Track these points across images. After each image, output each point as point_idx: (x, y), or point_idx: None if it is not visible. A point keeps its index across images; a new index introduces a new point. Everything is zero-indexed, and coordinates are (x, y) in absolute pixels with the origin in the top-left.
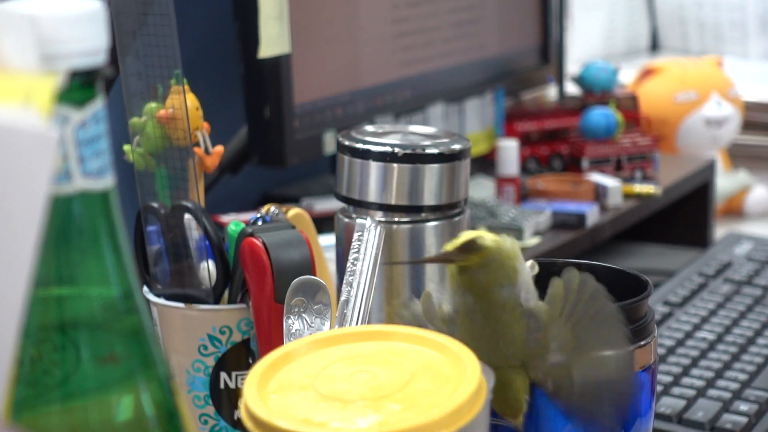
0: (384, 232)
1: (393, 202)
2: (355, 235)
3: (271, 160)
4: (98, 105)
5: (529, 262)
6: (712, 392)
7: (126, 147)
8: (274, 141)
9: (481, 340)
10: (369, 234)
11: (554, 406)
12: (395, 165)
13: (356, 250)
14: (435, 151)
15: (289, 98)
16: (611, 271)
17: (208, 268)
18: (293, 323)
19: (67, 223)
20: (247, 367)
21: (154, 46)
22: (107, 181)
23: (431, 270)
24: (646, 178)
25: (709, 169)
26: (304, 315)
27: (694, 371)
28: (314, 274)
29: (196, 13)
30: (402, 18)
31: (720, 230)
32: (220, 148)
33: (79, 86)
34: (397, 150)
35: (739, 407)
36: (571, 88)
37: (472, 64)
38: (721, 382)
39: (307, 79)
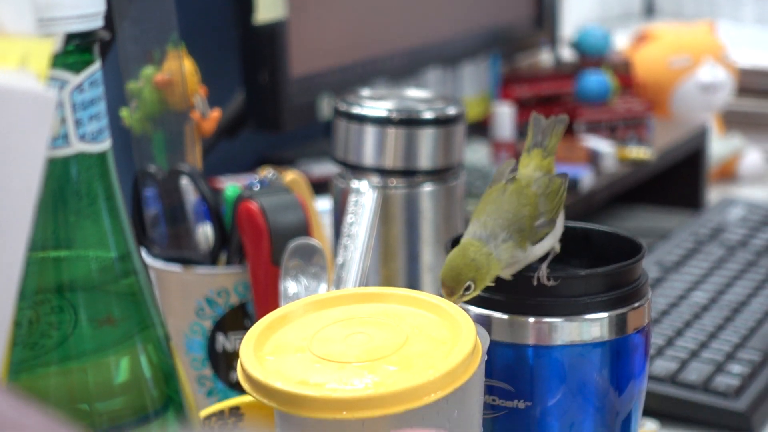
0: (380, 196)
1: (389, 165)
2: (352, 199)
3: (267, 125)
4: (95, 69)
5: None
6: (705, 354)
7: (123, 111)
8: (271, 106)
9: (499, 204)
10: (365, 197)
11: (550, 367)
12: (391, 129)
13: (352, 213)
14: (430, 115)
15: (285, 63)
16: (605, 233)
17: (205, 232)
18: (290, 286)
19: (64, 186)
20: (244, 329)
21: (151, 11)
22: (104, 144)
23: (427, 233)
24: (640, 143)
25: (703, 133)
26: (300, 277)
27: (688, 333)
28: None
29: None
30: None
31: (714, 194)
32: (216, 113)
33: (76, 50)
34: (392, 114)
35: (732, 369)
36: (566, 53)
37: (468, 29)
38: (714, 344)
39: (304, 45)
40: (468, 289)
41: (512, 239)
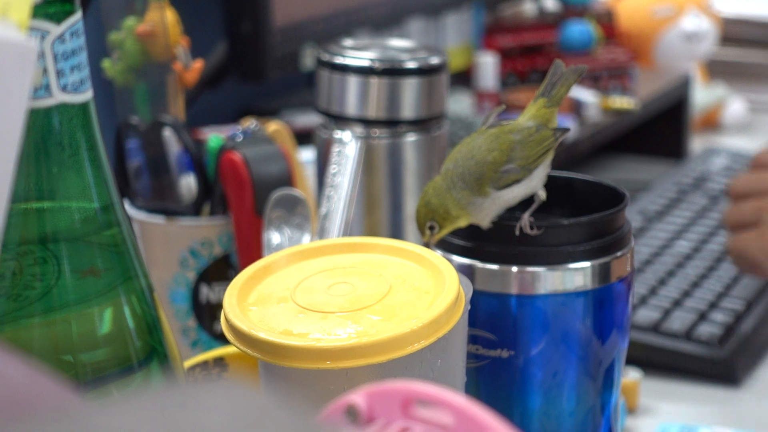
0: (363, 146)
1: (372, 116)
2: (335, 149)
3: (250, 75)
4: (76, 19)
5: None
6: (688, 303)
7: (105, 63)
8: (253, 56)
9: (471, 148)
10: (348, 148)
11: (534, 316)
12: (374, 79)
13: (336, 163)
14: (413, 65)
15: (268, 13)
16: (588, 183)
17: (188, 183)
18: (273, 236)
19: (47, 137)
20: (228, 280)
21: None
22: (86, 95)
23: (410, 183)
24: (623, 93)
25: (687, 83)
26: (283, 228)
27: (671, 282)
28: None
29: None
30: None
31: (697, 144)
32: (199, 63)
33: (57, 0)
34: (375, 64)
35: (715, 317)
36: (550, 3)
37: None
38: (697, 293)
39: None
40: (432, 228)
41: (468, 187)
